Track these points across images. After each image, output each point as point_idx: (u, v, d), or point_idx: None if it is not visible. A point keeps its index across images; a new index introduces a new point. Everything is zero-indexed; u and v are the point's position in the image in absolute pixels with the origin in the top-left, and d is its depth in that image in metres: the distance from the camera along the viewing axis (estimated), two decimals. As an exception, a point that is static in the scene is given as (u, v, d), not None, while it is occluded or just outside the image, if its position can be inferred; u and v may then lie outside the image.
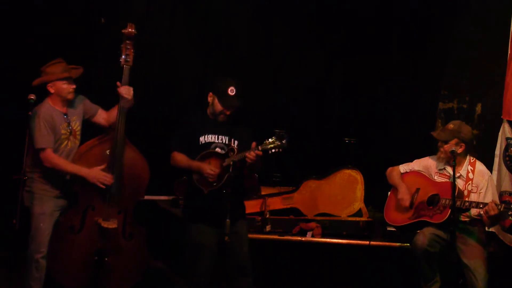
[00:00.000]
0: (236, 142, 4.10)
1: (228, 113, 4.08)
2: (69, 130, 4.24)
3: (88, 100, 4.41)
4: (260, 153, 3.88)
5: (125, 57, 4.27)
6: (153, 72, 5.98)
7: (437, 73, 6.19)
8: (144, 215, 4.60)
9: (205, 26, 6.26)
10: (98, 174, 4.14)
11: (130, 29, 4.27)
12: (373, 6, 6.43)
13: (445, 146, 4.52)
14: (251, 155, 3.88)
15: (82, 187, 4.20)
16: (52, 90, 4.20)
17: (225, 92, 4.03)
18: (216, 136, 4.09)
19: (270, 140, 3.88)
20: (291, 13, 6.39)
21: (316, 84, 6.57)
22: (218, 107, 4.06)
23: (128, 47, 4.27)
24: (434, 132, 4.67)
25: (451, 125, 4.58)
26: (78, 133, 4.32)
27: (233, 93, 4.04)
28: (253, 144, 3.93)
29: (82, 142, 4.35)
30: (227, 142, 4.09)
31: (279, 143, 3.87)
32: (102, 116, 4.43)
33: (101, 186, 4.15)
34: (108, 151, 4.25)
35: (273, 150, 3.87)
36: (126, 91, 4.24)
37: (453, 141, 4.49)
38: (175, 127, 4.19)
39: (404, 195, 4.66)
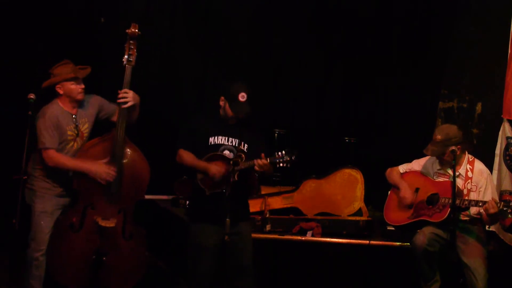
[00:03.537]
0: (246, 145, 4.06)
1: (239, 118, 4.05)
2: (75, 132, 4.23)
3: (105, 100, 4.39)
4: (267, 163, 3.87)
5: (128, 57, 4.26)
6: (153, 72, 5.98)
7: (437, 73, 6.18)
8: (144, 214, 4.59)
9: (205, 26, 6.27)
10: (99, 169, 4.13)
11: (134, 29, 4.26)
12: (373, 6, 6.43)
13: (444, 157, 4.50)
14: (259, 164, 3.86)
15: (82, 186, 4.19)
16: (61, 92, 4.19)
17: (235, 98, 3.98)
18: (226, 138, 4.05)
19: (280, 153, 3.89)
20: (291, 13, 6.39)
21: (316, 84, 6.57)
22: (229, 112, 4.02)
23: (132, 47, 4.26)
24: (427, 151, 4.54)
25: (438, 136, 4.49)
26: (86, 135, 4.29)
27: (244, 99, 3.98)
28: (262, 155, 3.90)
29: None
30: (236, 145, 4.05)
31: (288, 159, 3.89)
32: None
33: (102, 182, 4.14)
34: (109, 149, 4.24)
35: (282, 165, 3.89)
36: (124, 96, 4.23)
37: (449, 150, 4.46)
38: (183, 124, 4.16)
39: (406, 193, 4.65)
